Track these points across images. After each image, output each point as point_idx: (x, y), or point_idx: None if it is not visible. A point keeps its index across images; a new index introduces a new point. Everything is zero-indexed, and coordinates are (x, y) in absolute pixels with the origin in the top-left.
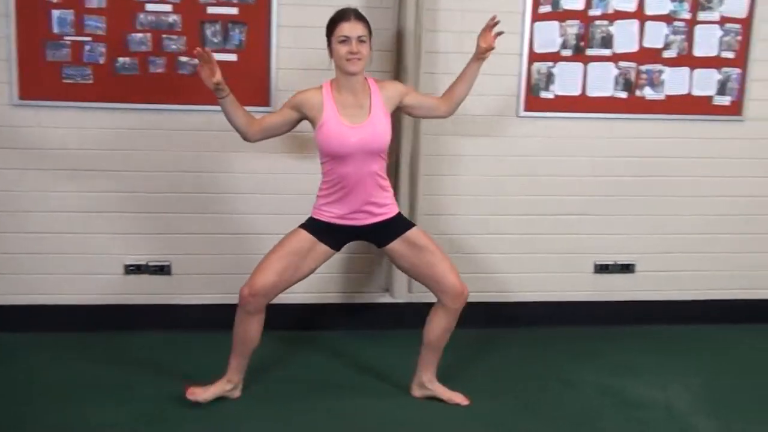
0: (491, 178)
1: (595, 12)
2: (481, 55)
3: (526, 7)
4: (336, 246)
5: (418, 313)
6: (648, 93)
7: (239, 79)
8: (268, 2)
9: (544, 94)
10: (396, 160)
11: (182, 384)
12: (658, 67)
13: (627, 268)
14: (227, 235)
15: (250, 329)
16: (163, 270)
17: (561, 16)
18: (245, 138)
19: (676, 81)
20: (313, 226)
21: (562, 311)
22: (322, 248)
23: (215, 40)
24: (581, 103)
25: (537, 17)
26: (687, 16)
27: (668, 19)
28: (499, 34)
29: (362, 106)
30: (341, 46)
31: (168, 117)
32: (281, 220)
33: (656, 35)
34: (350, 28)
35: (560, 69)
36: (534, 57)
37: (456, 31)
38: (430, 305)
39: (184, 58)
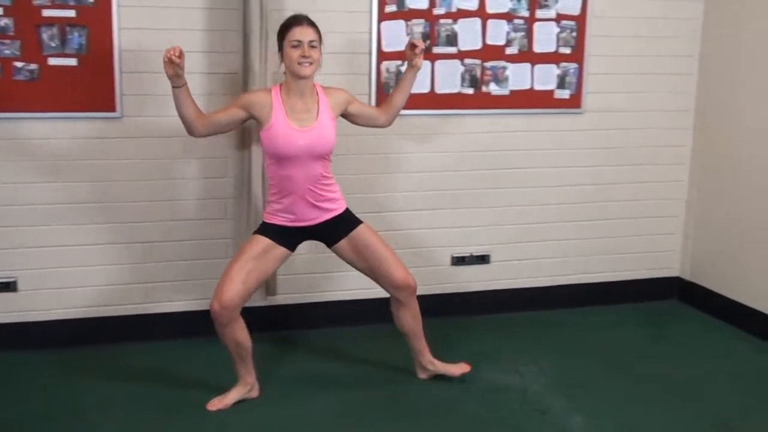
0: (346, 177)
1: (439, 11)
2: (411, 63)
3: (372, 7)
4: (291, 247)
5: (276, 316)
6: (493, 89)
7: (82, 84)
8: (108, 4)
9: None
10: (248, 163)
11: None
12: (502, 63)
13: (482, 259)
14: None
15: (236, 336)
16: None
17: (407, 15)
18: (190, 131)
19: (519, 76)
20: (267, 230)
21: (422, 304)
22: (280, 250)
23: (53, 44)
24: (431, 100)
25: (384, 17)
26: (526, 14)
27: (509, 17)
28: (415, 45)
29: (310, 110)
30: (293, 51)
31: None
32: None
33: (498, 33)
34: (302, 33)
35: None
36: (383, 56)
37: None
38: (292, 306)
39: (19, 64)
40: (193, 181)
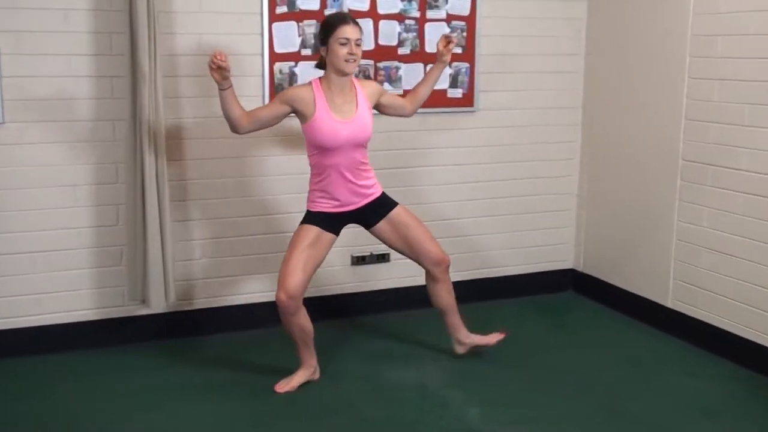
0: (242, 179)
1: (330, 12)
2: (441, 59)
3: (263, 8)
4: (336, 232)
5: (178, 323)
6: (387, 89)
7: None
8: None
9: None
10: (141, 168)
11: None
12: (395, 63)
13: (383, 258)
14: None
15: (301, 323)
16: None
17: (298, 16)
18: (235, 129)
19: (412, 76)
20: (312, 218)
21: (322, 305)
22: (328, 236)
23: None
24: None
25: (275, 18)
26: (417, 14)
27: (400, 17)
28: (449, 40)
29: (350, 102)
30: (341, 48)
31: None
32: None
33: (390, 33)
34: (351, 32)
35: (302, 68)
36: (275, 57)
37: (195, 33)
38: (189, 313)
39: None
40: (84, 188)
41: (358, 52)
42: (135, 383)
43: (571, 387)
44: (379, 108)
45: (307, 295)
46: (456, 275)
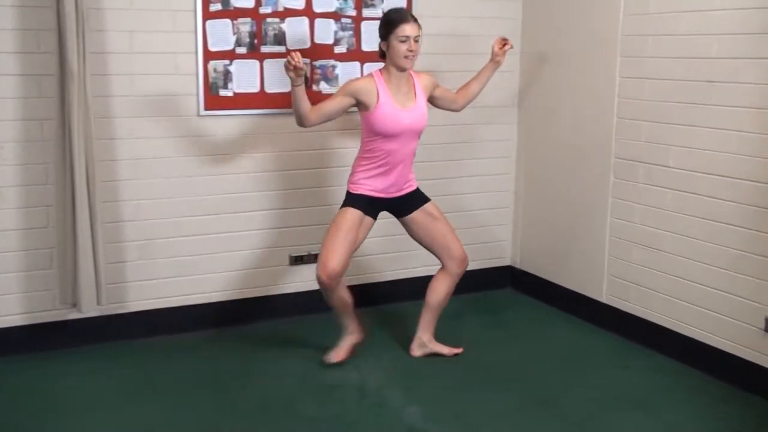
0: (177, 180)
1: (265, 10)
2: (495, 59)
3: (196, 6)
4: (375, 217)
5: (110, 326)
6: (324, 87)
7: None
8: None
9: (223, 92)
10: (70, 169)
11: None
12: (331, 62)
13: None
14: None
15: (341, 297)
16: None
17: (232, 14)
18: (302, 123)
19: (348, 75)
20: (356, 201)
21: (262, 305)
22: (368, 220)
23: None
24: (261, 100)
25: (208, 15)
26: (353, 13)
27: (336, 16)
28: (505, 42)
29: (409, 92)
30: (401, 45)
31: None
32: None
33: (326, 32)
34: (410, 29)
35: (237, 67)
36: (209, 55)
37: (126, 30)
38: (121, 316)
39: None
40: (12, 189)
41: (417, 48)
42: (67, 388)
43: (508, 382)
44: (432, 100)
45: (248, 295)
46: (395, 273)
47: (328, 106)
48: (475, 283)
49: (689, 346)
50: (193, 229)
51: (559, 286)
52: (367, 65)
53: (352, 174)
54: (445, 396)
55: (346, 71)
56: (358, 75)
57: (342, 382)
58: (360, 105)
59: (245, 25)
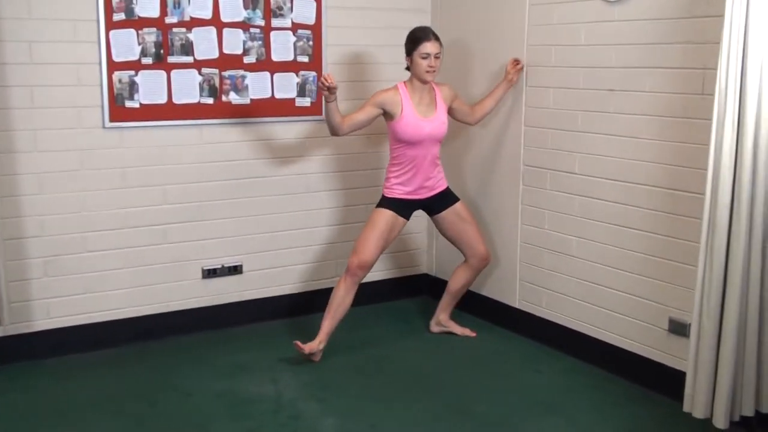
0: (81, 194)
1: (171, 20)
2: (508, 78)
3: (99, 15)
4: (407, 217)
5: (15, 346)
6: (234, 98)
7: None
8: None
9: (129, 104)
10: None
11: None
12: (241, 72)
13: (235, 270)
14: None
15: (349, 295)
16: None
17: (137, 23)
18: (335, 132)
19: (258, 85)
20: (389, 203)
21: (174, 320)
22: (401, 221)
23: None
24: (169, 111)
25: (112, 25)
26: (261, 23)
27: (244, 26)
28: (518, 62)
29: (430, 103)
30: (423, 61)
31: None
32: None
33: (235, 42)
34: (432, 47)
35: (143, 77)
36: (114, 66)
37: (25, 41)
38: (26, 335)
39: None
40: None
41: (437, 64)
42: None
43: (424, 390)
44: (449, 111)
45: (157, 310)
46: (316, 283)
47: (358, 116)
48: (392, 292)
49: (598, 348)
50: (100, 244)
51: (474, 293)
52: (277, 75)
53: (386, 179)
54: (361, 406)
55: (255, 81)
56: (268, 85)
57: (257, 396)
58: (386, 115)
59: (151, 35)
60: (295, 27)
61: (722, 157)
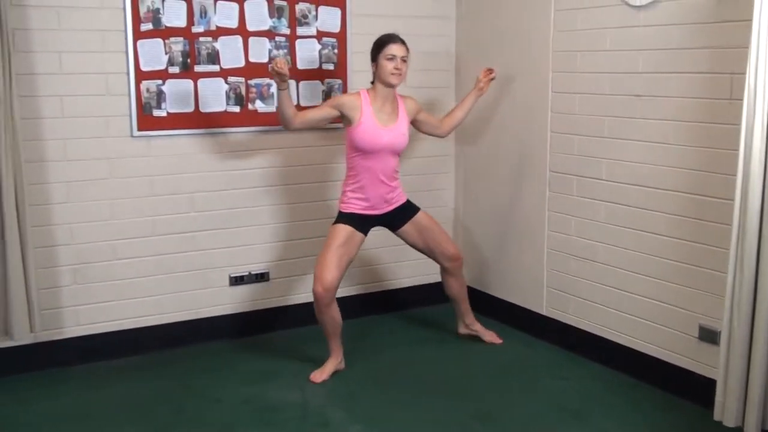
0: (110, 202)
1: (198, 29)
2: (479, 86)
3: (127, 26)
4: (365, 233)
5: (45, 353)
6: (260, 106)
7: None
8: None
9: (157, 113)
10: None
11: None
12: (267, 80)
13: (262, 277)
14: None
15: (333, 314)
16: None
17: (164, 33)
18: (287, 125)
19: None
20: (345, 218)
21: (199, 327)
22: (359, 236)
23: None
24: (196, 120)
25: (140, 35)
26: (287, 31)
27: (270, 34)
28: (490, 71)
29: (392, 112)
30: (388, 63)
31: None
32: None
33: (260, 50)
34: (397, 49)
35: (170, 86)
36: (142, 75)
37: (55, 51)
38: (56, 343)
39: None
40: None
41: (404, 67)
42: (1, 418)
43: (450, 397)
44: (415, 124)
45: (184, 318)
46: (342, 290)
47: (312, 113)
48: (417, 299)
49: (626, 355)
50: (128, 252)
51: (501, 300)
52: (302, 83)
53: (342, 194)
54: (387, 413)
55: None
56: (294, 93)
57: (284, 402)
58: (344, 119)
59: (178, 45)
60: (320, 35)
61: (752, 162)
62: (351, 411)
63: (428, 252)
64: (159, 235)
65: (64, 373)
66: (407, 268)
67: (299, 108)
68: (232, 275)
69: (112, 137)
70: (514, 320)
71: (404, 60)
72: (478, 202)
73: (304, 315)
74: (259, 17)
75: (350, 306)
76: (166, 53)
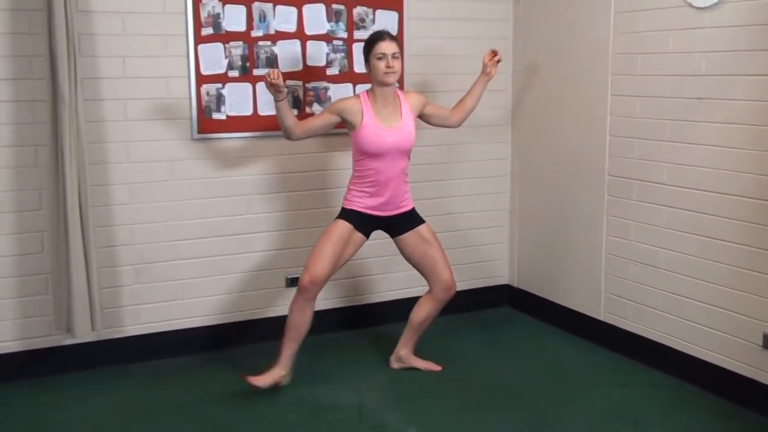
0: (170, 204)
1: (257, 33)
2: (486, 71)
3: (188, 30)
4: (367, 234)
5: (105, 351)
6: (317, 109)
7: None
8: None
9: (216, 116)
10: (63, 194)
11: None
12: (323, 84)
13: None
14: None
15: (305, 315)
16: None
17: (224, 37)
18: (289, 136)
19: (342, 96)
20: (348, 216)
21: (258, 327)
22: (358, 236)
23: None
24: (254, 122)
25: (200, 40)
26: (344, 35)
27: (328, 38)
28: (495, 53)
29: (394, 112)
30: (379, 62)
31: None
32: None
33: (318, 54)
34: (387, 47)
35: (230, 90)
36: (202, 79)
37: (118, 56)
38: (116, 341)
39: None
40: (7, 215)
41: (396, 64)
42: (62, 415)
43: (506, 402)
44: (424, 118)
45: (241, 318)
46: (393, 294)
47: (313, 122)
48: (472, 302)
49: (687, 363)
50: (187, 253)
51: (557, 305)
52: (359, 86)
53: (346, 192)
54: (443, 417)
55: (338, 93)
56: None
57: (340, 404)
58: (347, 124)
59: (237, 49)
60: None
61: None
62: (406, 413)
63: (422, 268)
64: (216, 237)
65: (124, 371)
66: (462, 271)
67: (301, 117)
68: (288, 277)
69: (172, 140)
70: (569, 325)
71: (395, 57)
72: (534, 206)
73: (360, 317)
74: (317, 21)
75: (409, 308)
76: (226, 57)
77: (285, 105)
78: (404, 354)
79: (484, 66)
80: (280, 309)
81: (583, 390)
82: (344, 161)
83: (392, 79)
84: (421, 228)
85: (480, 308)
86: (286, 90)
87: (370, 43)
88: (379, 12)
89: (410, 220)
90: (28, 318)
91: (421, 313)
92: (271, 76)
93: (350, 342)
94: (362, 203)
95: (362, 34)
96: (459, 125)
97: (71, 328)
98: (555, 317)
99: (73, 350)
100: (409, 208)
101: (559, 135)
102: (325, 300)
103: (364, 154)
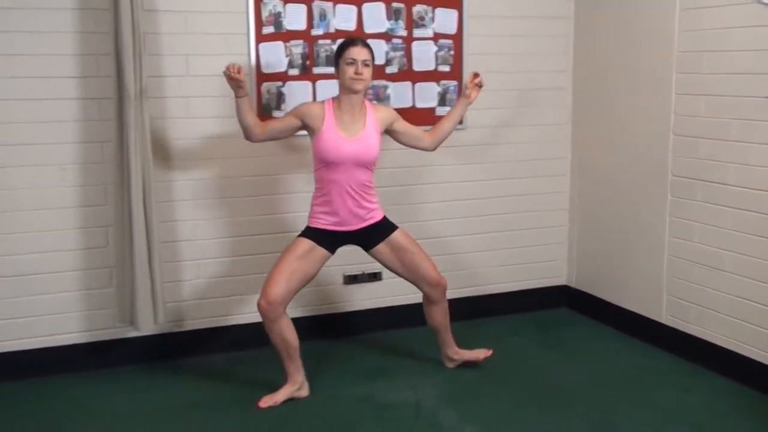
0: (232, 200)
1: (317, 32)
2: (465, 94)
3: (249, 29)
4: (332, 250)
5: (167, 344)
6: None
7: None
8: None
9: (276, 114)
10: (128, 190)
11: None
12: (383, 82)
13: (374, 277)
14: None
15: (283, 333)
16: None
17: (285, 36)
18: (248, 137)
19: (400, 95)
20: (310, 233)
21: (315, 324)
22: (321, 252)
23: None
24: None
25: (261, 38)
26: (403, 33)
27: (387, 37)
28: (476, 75)
29: (357, 122)
30: (348, 67)
31: None
32: None
33: (377, 52)
34: (357, 53)
35: (289, 88)
36: (262, 77)
37: (182, 54)
38: (178, 335)
39: None
40: (73, 210)
41: (365, 72)
42: (125, 406)
43: (564, 404)
44: (393, 134)
45: (301, 314)
46: (450, 293)
47: (274, 124)
48: (531, 303)
49: (753, 369)
50: (244, 250)
51: (617, 306)
52: (418, 84)
53: (311, 206)
54: (501, 416)
55: (397, 91)
56: (409, 95)
57: (397, 402)
58: (307, 129)
59: (297, 47)
60: (436, 37)
61: None
62: (464, 412)
63: (408, 276)
64: (278, 233)
65: (184, 364)
66: (520, 271)
67: (263, 118)
68: (346, 274)
69: (234, 137)
70: (629, 327)
71: (366, 64)
72: (594, 206)
73: (416, 315)
74: (376, 19)
75: (466, 308)
76: (286, 56)
77: (245, 102)
78: (450, 352)
79: (465, 88)
80: (338, 306)
81: (643, 393)
82: (405, 159)
83: (359, 86)
84: (394, 236)
85: (538, 309)
86: (247, 86)
87: (342, 47)
88: (438, 10)
89: (380, 231)
90: (92, 310)
91: (433, 321)
92: (231, 70)
93: (407, 340)
94: (325, 220)
95: (421, 33)
96: (434, 148)
97: (134, 321)
98: (614, 319)
99: (135, 342)
100: (376, 220)
101: (621, 134)
102: (396, 297)
103: (321, 162)
